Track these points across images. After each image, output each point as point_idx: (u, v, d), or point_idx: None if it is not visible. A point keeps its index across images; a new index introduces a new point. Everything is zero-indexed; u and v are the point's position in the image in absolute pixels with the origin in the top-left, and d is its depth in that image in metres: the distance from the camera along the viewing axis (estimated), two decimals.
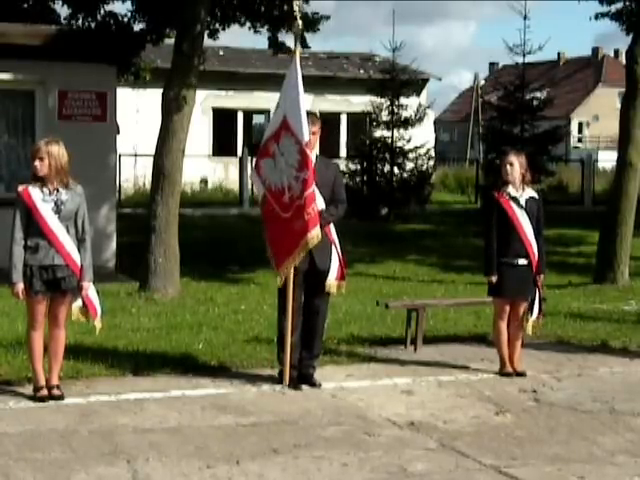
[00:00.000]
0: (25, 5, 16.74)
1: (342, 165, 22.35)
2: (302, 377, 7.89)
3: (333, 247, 7.88)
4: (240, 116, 31.77)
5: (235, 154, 29.57)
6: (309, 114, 7.77)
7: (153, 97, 19.71)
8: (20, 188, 7.18)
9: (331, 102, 30.42)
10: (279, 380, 7.89)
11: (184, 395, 7.53)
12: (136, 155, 26.00)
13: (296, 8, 8.19)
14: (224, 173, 29.87)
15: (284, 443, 6.36)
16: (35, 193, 7.10)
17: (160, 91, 12.54)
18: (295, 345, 7.81)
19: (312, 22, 15.26)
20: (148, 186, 14.83)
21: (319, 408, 7.27)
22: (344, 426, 6.82)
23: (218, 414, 7.05)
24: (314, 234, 7.58)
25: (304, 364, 7.92)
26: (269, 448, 6.26)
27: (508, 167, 8.33)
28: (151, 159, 12.72)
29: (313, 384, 7.88)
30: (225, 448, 6.24)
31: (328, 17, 15.75)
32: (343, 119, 32.01)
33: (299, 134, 7.62)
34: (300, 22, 8.28)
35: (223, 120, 30.99)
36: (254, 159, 8.45)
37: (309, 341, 7.92)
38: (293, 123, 7.66)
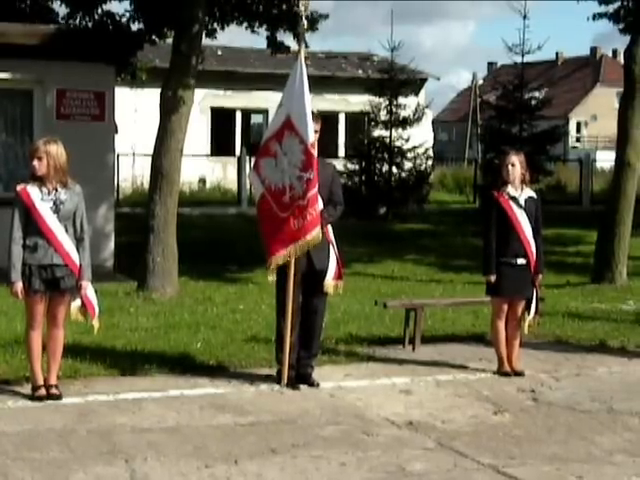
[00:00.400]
0: (23, 5, 16.71)
1: (340, 165, 22.36)
2: (300, 377, 7.89)
3: (331, 247, 7.88)
4: (238, 116, 31.77)
5: (233, 154, 29.56)
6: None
7: (151, 97, 19.69)
8: (19, 187, 7.17)
9: (329, 102, 30.42)
10: (277, 380, 7.88)
11: (182, 395, 7.53)
12: (134, 155, 25.99)
13: (302, 7, 8.18)
14: (222, 173, 29.86)
15: (282, 443, 6.36)
16: (34, 192, 7.10)
17: (158, 91, 12.54)
18: (293, 345, 7.81)
19: (311, 21, 15.24)
20: (146, 186, 14.82)
21: (317, 408, 7.27)
22: (342, 426, 6.82)
23: (216, 414, 7.05)
24: (314, 234, 7.58)
25: (302, 364, 7.92)
26: (267, 448, 6.26)
27: (510, 167, 8.32)
28: (149, 159, 12.71)
29: (311, 384, 7.87)
30: (223, 448, 6.24)
31: (327, 16, 15.75)
32: (341, 118, 32.01)
33: (304, 134, 7.62)
34: (305, 22, 8.28)
35: (221, 120, 30.98)
36: (253, 158, 8.44)
37: (307, 341, 7.92)
38: (298, 123, 7.65)
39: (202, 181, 29.29)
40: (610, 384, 8.25)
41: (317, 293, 7.85)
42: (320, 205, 7.69)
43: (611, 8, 15.39)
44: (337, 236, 7.97)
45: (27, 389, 7.36)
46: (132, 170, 26.72)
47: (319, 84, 28.34)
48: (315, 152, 7.65)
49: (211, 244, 17.25)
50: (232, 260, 15.54)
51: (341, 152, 30.57)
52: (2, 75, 13.68)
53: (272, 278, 7.88)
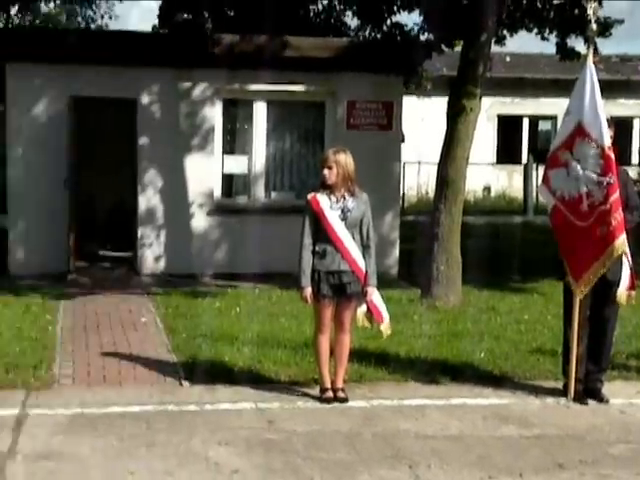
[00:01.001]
0: (317, 19, 17.37)
1: (635, 173, 21.41)
2: (588, 391, 7.62)
3: (624, 255, 7.54)
4: (525, 123, 31.28)
5: (519, 161, 29.15)
6: None
7: (437, 105, 19.84)
8: (309, 196, 7.42)
9: (623, 106, 29.26)
10: (563, 393, 7.67)
11: (465, 404, 7.49)
12: (419, 163, 26.26)
13: (590, 11, 7.94)
14: (508, 181, 29.50)
15: (569, 458, 6.17)
16: (323, 200, 7.32)
17: (444, 99, 12.59)
18: (581, 357, 7.56)
19: (603, 26, 14.70)
20: (431, 194, 14.91)
21: (606, 424, 6.98)
22: (634, 445, 6.51)
23: (500, 424, 6.95)
24: (622, 240, 7.30)
25: (591, 378, 7.65)
26: (554, 463, 6.09)
27: None
28: (434, 167, 12.78)
29: (600, 399, 7.59)
30: (507, 459, 6.14)
31: (622, 21, 15.14)
32: (636, 124, 30.72)
33: (599, 138, 7.39)
34: (594, 25, 8.02)
35: (508, 127, 30.64)
36: (541, 168, 8.27)
37: (596, 354, 7.64)
38: (591, 128, 7.42)
39: (487, 189, 29.09)
40: None
41: (608, 303, 7.55)
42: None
43: None
44: (631, 244, 7.62)
45: (315, 391, 7.60)
46: (417, 178, 27.01)
47: (612, 89, 27.36)
48: (613, 155, 7.37)
49: (495, 253, 17.04)
50: (516, 270, 15.27)
51: (635, 159, 29.28)
52: (298, 88, 14.25)
53: (582, 292, 7.58)
